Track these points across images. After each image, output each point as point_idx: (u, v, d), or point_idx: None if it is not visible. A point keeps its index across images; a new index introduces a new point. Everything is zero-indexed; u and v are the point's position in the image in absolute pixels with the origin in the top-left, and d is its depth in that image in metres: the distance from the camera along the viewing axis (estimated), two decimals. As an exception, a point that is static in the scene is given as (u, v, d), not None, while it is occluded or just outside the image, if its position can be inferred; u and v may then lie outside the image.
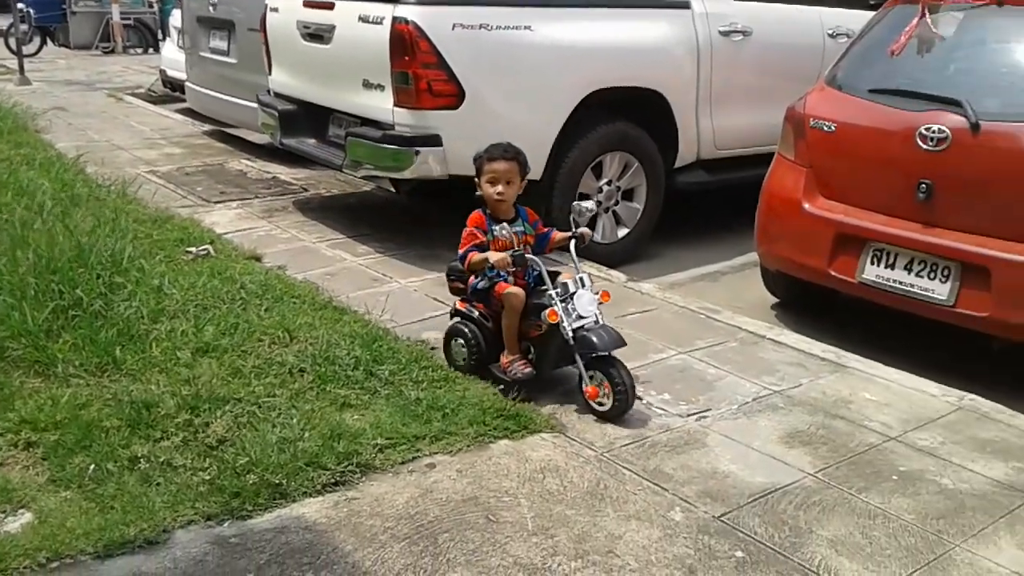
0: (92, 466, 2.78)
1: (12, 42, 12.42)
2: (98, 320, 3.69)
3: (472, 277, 3.55)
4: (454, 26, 4.72)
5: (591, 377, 3.31)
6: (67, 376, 3.34)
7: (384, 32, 4.75)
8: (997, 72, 4.04)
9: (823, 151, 4.34)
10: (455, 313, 3.64)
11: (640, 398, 3.41)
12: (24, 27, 13.62)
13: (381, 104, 4.91)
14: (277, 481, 2.73)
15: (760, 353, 3.99)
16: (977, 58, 4.13)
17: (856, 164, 4.22)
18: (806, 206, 4.33)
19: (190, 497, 2.66)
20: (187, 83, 8.34)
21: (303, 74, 5.69)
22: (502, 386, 3.39)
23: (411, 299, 4.45)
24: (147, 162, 7.21)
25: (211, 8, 7.58)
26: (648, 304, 4.51)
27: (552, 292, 3.36)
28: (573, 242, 3.57)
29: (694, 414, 3.39)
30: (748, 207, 4.72)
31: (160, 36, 15.70)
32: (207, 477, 2.76)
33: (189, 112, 8.97)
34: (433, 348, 3.76)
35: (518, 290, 3.43)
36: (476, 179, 3.59)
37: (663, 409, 3.41)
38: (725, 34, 5.52)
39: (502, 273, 3.45)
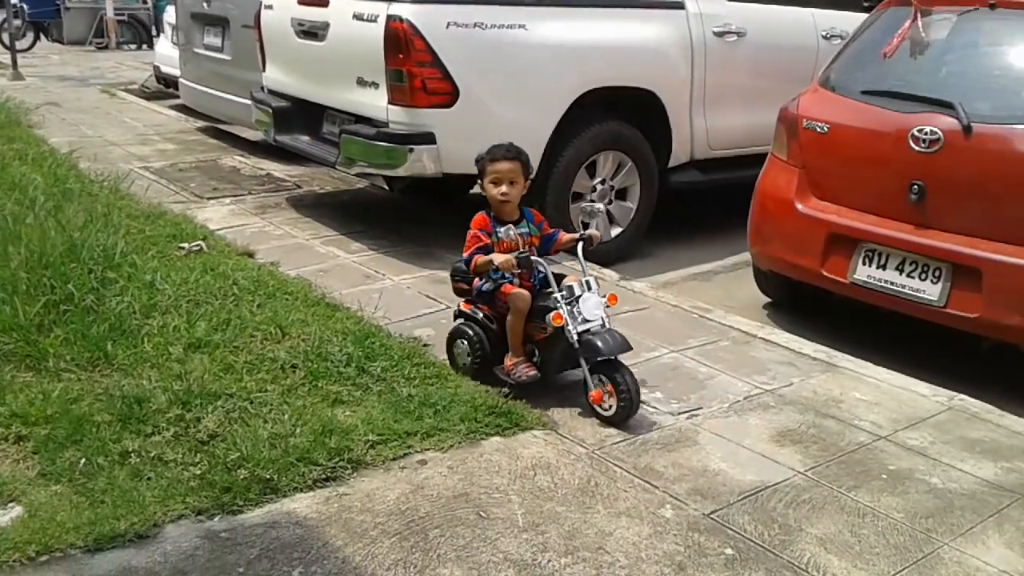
0: (83, 460, 2.78)
1: (5, 37, 12.41)
2: (90, 315, 3.68)
3: (477, 279, 3.51)
4: (448, 24, 4.72)
5: (596, 381, 3.26)
6: (58, 371, 3.33)
7: (378, 30, 4.76)
8: (989, 75, 4.06)
9: (816, 152, 4.36)
10: (459, 315, 3.58)
11: (632, 396, 3.41)
12: (17, 22, 13.63)
13: (375, 102, 4.91)
14: (268, 476, 2.73)
15: (752, 352, 4.01)
16: (969, 61, 4.14)
17: (849, 165, 4.23)
18: (799, 206, 4.35)
19: (181, 492, 2.66)
20: (181, 79, 8.33)
21: (297, 71, 5.68)
22: (506, 388, 3.35)
23: (404, 296, 4.45)
24: (140, 158, 7.20)
25: (205, 4, 7.57)
26: (641, 303, 4.52)
27: (557, 295, 3.31)
28: (581, 244, 3.54)
29: (685, 412, 3.40)
30: (741, 207, 4.73)
31: (154, 32, 15.66)
32: (198, 472, 2.75)
33: (183, 108, 8.95)
34: (426, 345, 3.76)
35: (524, 292, 3.38)
36: (479, 181, 3.55)
37: (654, 407, 3.42)
38: (719, 35, 5.54)
39: (507, 275, 3.41)
